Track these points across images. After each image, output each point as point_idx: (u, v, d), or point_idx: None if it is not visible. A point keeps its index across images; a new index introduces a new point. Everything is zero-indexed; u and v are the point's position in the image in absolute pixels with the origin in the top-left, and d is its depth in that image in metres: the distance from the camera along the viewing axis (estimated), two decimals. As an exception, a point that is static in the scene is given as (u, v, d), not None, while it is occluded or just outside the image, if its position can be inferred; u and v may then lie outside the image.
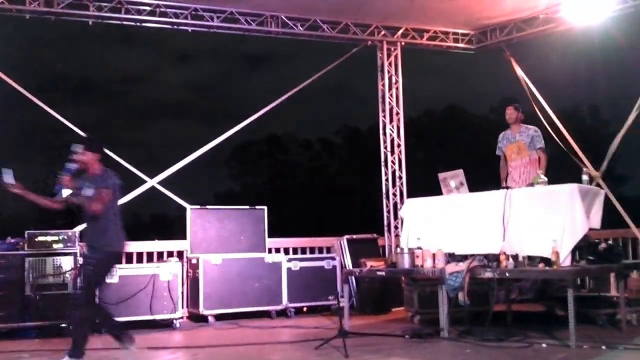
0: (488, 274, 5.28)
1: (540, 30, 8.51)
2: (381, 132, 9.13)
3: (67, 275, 6.20)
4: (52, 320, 6.12)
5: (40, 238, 6.24)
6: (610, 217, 6.78)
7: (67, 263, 6.24)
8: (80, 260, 5.73)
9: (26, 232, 6.23)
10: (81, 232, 6.31)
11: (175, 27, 8.08)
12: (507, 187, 5.92)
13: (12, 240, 6.27)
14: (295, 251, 8.19)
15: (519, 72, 9.04)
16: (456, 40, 9.22)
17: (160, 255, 7.36)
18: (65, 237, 6.33)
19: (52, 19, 7.55)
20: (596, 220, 5.73)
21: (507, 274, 5.27)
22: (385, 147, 9.06)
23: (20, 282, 6.05)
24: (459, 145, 20.64)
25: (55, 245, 6.26)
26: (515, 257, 5.33)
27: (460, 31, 9.17)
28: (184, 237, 7.32)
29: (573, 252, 5.34)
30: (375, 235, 8.60)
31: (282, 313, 7.29)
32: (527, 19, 8.53)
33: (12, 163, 4.66)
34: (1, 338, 5.90)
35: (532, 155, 6.49)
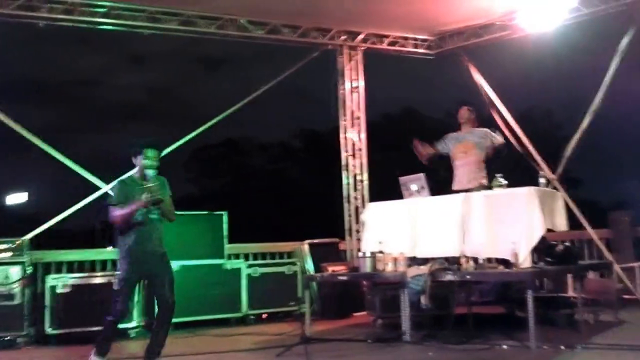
0: (449, 277, 5.31)
1: (497, 37, 8.65)
2: (342, 136, 9.10)
3: (15, 285, 5.92)
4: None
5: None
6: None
7: (15, 272, 5.98)
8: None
9: (-30, 241, 5.94)
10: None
11: (130, 29, 7.87)
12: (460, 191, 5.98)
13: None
14: (255, 257, 8.07)
15: (477, 77, 9.17)
16: (415, 46, 9.29)
17: (115, 263, 7.11)
18: (13, 246, 6.05)
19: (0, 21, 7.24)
20: (561, 223, 5.84)
21: (468, 277, 5.31)
22: (347, 151, 9.05)
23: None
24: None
25: (2, 254, 5.99)
26: (475, 259, 5.38)
27: (419, 37, 9.24)
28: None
29: (532, 254, 5.41)
30: (336, 240, 8.56)
31: (242, 320, 7.16)
32: (484, 26, 8.66)
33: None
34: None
35: (479, 155, 6.50)
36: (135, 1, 7.64)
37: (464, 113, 6.69)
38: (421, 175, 6.18)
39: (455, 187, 6.48)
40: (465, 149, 6.55)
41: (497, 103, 9.00)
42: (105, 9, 7.55)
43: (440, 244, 5.76)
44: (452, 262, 5.48)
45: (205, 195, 26.46)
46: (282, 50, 9.21)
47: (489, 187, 6.01)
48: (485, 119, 8.79)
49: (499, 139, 6.56)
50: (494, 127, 7.09)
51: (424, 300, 5.29)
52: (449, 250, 5.62)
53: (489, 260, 5.40)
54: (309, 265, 7.86)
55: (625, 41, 7.92)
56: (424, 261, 5.62)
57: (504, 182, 5.85)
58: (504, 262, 5.32)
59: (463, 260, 5.39)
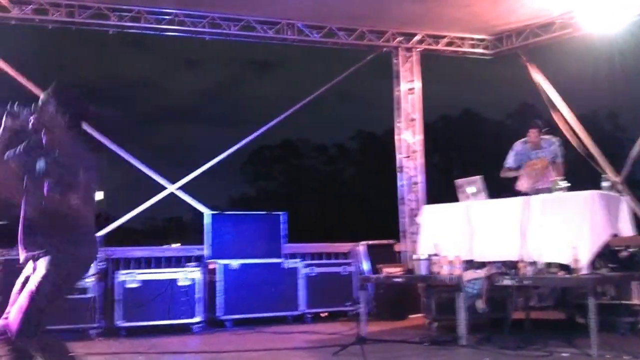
0: (507, 281, 5.25)
1: (557, 36, 8.47)
2: (397, 138, 9.12)
3: (88, 279, 6.27)
4: (74, 324, 6.13)
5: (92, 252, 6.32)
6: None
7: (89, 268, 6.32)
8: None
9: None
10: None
11: (193, 35, 8.18)
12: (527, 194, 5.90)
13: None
14: (311, 257, 8.21)
15: (536, 78, 9.00)
16: (473, 46, 9.21)
17: (179, 260, 7.43)
18: None
19: (73, 29, 7.69)
20: (625, 227, 5.69)
21: (526, 281, 5.24)
22: (401, 153, 9.06)
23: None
24: (475, 151, 20.56)
25: None
26: (534, 264, 5.30)
27: (476, 37, 9.16)
28: (200, 241, 7.37)
29: (594, 259, 5.30)
30: (392, 241, 8.59)
31: (299, 319, 7.30)
32: (543, 25, 8.50)
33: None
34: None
35: (552, 166, 6.40)
36: (198, 8, 7.93)
37: (534, 136, 6.52)
38: (478, 178, 6.14)
39: (518, 188, 6.40)
40: (534, 164, 6.49)
41: (558, 104, 8.80)
42: (169, 16, 7.88)
43: (497, 247, 5.71)
44: (510, 266, 5.42)
45: (261, 195, 26.93)
46: (339, 52, 9.34)
47: (550, 190, 5.91)
48: (545, 121, 8.62)
49: (561, 156, 6.46)
50: (554, 128, 6.96)
51: (480, 304, 5.26)
52: (507, 253, 5.56)
53: (549, 265, 5.31)
54: (365, 266, 7.93)
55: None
56: (481, 264, 5.59)
57: (565, 185, 5.74)
58: (564, 267, 5.23)
59: (521, 265, 5.32)
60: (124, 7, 7.68)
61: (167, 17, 7.89)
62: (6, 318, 2.87)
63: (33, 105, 3.02)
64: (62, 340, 3.00)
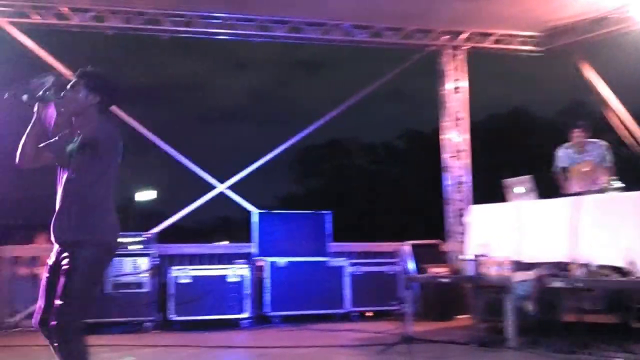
0: (558, 283, 5.16)
1: (610, 31, 8.23)
2: (443, 137, 9.06)
3: (144, 274, 6.52)
4: (130, 317, 6.49)
5: (120, 239, 6.57)
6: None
7: (144, 263, 6.57)
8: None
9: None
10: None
11: (242, 38, 8.36)
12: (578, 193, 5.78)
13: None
14: (357, 256, 8.25)
15: (589, 74, 8.77)
16: (523, 43, 9.05)
17: (228, 257, 7.60)
18: (143, 239, 6.67)
19: (130, 35, 7.99)
20: None
21: (578, 284, 5.14)
22: (447, 153, 8.99)
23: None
24: (525, 150, 20.13)
25: (134, 247, 6.61)
26: (586, 265, 5.20)
27: (526, 33, 8.99)
28: (249, 239, 7.52)
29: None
30: (438, 241, 8.54)
31: (345, 317, 7.36)
32: (596, 20, 8.27)
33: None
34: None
35: (599, 170, 6.25)
36: (247, 12, 8.09)
37: (578, 136, 6.38)
38: (527, 177, 6.06)
39: (571, 190, 6.27)
40: (581, 167, 6.35)
41: (611, 102, 8.56)
42: (219, 20, 8.08)
43: (547, 248, 5.62)
44: (561, 268, 5.33)
45: (308, 194, 27.10)
46: (386, 51, 9.34)
47: (603, 191, 5.78)
48: (598, 118, 8.40)
49: (609, 160, 6.28)
50: (606, 126, 6.78)
51: (530, 306, 5.19)
52: (557, 255, 5.47)
53: (602, 267, 5.19)
54: (411, 266, 7.93)
55: None
56: (530, 266, 5.51)
57: (619, 185, 5.60)
58: (618, 270, 5.10)
59: (573, 267, 5.22)
60: (177, 12, 7.92)
61: (217, 21, 8.10)
62: (40, 312, 2.90)
63: (63, 90, 3.00)
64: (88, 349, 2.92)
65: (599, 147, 6.36)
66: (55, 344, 2.84)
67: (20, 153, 2.97)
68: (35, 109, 2.95)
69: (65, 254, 2.89)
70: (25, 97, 2.90)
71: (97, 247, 2.91)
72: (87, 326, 2.88)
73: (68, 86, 3.03)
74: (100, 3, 7.61)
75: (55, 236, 2.96)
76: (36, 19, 7.55)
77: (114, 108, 7.64)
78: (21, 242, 7.81)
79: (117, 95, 3.19)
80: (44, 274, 2.98)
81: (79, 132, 2.95)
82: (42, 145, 2.97)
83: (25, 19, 7.54)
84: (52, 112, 2.97)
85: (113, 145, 3.01)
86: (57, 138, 3.01)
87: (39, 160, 3.00)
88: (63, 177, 2.98)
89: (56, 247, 2.97)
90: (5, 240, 7.49)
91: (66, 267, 2.85)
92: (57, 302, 2.81)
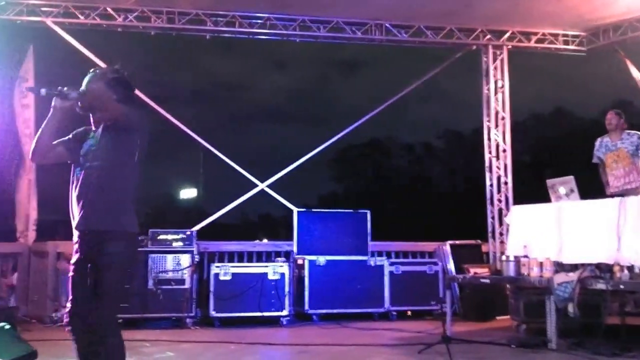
0: (600, 285, 5.09)
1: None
2: (485, 137, 8.98)
3: (185, 271, 6.69)
4: (171, 312, 6.65)
5: (162, 236, 6.78)
6: None
7: (185, 260, 6.74)
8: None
9: (150, 230, 6.79)
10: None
11: (284, 38, 8.47)
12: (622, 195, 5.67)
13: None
14: (397, 255, 8.26)
15: (635, 73, 8.56)
16: (566, 42, 8.90)
17: (268, 255, 7.73)
18: (185, 236, 6.84)
19: (173, 35, 8.19)
20: None
21: (622, 286, 5.05)
22: (490, 152, 8.91)
23: (143, 276, 6.54)
24: (568, 150, 19.71)
25: (175, 243, 6.78)
26: (630, 268, 5.10)
27: (570, 32, 8.84)
28: (289, 237, 7.62)
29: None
30: (478, 242, 8.49)
31: (384, 316, 7.38)
32: (641, 18, 8.07)
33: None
34: (124, 327, 6.37)
35: (635, 162, 6.13)
36: (289, 11, 8.20)
37: (611, 118, 6.38)
38: (570, 177, 5.97)
39: (609, 191, 6.17)
40: (617, 158, 6.22)
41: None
42: (261, 20, 8.21)
43: (590, 250, 5.52)
44: (604, 270, 5.24)
45: (348, 193, 27.16)
46: (426, 51, 9.32)
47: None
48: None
49: None
50: None
51: (571, 308, 5.12)
52: (600, 257, 5.38)
53: (646, 269, 5.09)
54: (451, 266, 7.90)
55: None
56: (572, 267, 5.44)
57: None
58: (664, 273, 4.99)
59: (617, 269, 5.13)
60: (220, 12, 8.08)
61: (259, 20, 8.23)
62: (71, 308, 2.91)
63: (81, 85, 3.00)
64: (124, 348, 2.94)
65: (633, 136, 6.30)
66: (79, 341, 2.86)
67: (34, 148, 2.96)
68: (53, 103, 2.93)
69: (93, 249, 2.88)
70: (43, 90, 2.91)
71: (126, 240, 2.91)
72: (122, 321, 2.94)
73: (85, 81, 3.04)
74: (143, 3, 7.82)
75: (81, 227, 2.93)
76: (81, 18, 7.81)
77: (155, 106, 7.90)
78: (65, 238, 8.08)
79: (132, 90, 3.19)
80: (70, 272, 2.97)
81: (95, 128, 3.00)
82: (56, 142, 2.99)
83: (70, 18, 7.81)
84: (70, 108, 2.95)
85: (139, 122, 2.99)
86: (70, 135, 3.06)
87: (52, 157, 3.01)
88: (78, 174, 2.98)
89: (76, 241, 2.96)
90: (52, 236, 7.75)
91: (97, 263, 2.86)
92: (91, 299, 2.85)
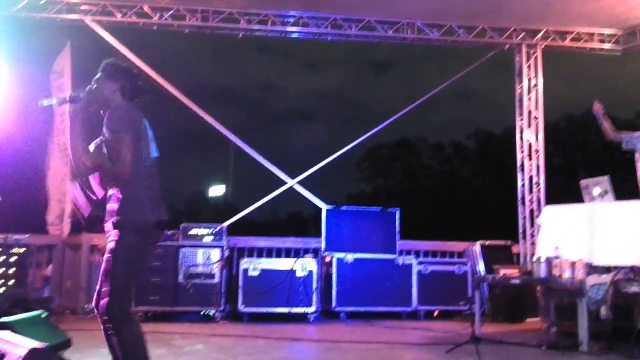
0: (635, 289, 5.00)
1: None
2: (518, 137, 8.88)
3: (215, 266, 6.78)
4: (201, 307, 6.75)
5: (193, 231, 6.89)
6: None
7: (215, 255, 6.83)
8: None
9: (181, 225, 6.90)
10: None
11: (316, 37, 8.51)
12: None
13: (169, 232, 6.94)
14: (426, 254, 8.23)
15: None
16: (602, 42, 8.74)
17: (297, 252, 7.78)
18: (216, 231, 6.93)
19: (207, 33, 8.31)
20: None
21: (656, 290, 4.95)
22: (522, 153, 8.81)
23: (174, 270, 6.67)
24: (602, 151, 19.33)
25: (206, 238, 6.88)
26: (666, 271, 5.00)
27: (606, 32, 8.68)
28: (318, 234, 7.65)
29: None
30: (509, 242, 8.40)
31: (412, 315, 7.37)
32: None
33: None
34: (155, 320, 6.53)
35: None
36: (321, 10, 8.24)
37: None
38: (605, 178, 5.87)
39: None
40: None
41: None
42: (294, 19, 8.26)
43: (624, 252, 5.42)
44: (637, 273, 5.15)
45: (377, 193, 27.11)
46: (458, 51, 9.25)
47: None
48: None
49: None
50: None
51: (604, 311, 5.05)
52: (635, 259, 5.28)
53: (683, 273, 4.98)
54: (480, 267, 7.84)
55: None
56: (605, 270, 5.35)
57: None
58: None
59: (651, 272, 5.04)
60: (253, 11, 8.17)
61: (292, 19, 8.29)
62: (97, 297, 2.99)
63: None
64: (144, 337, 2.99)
65: None
66: (109, 331, 2.93)
67: (76, 165, 2.99)
68: (67, 110, 3.02)
69: (107, 241, 3.00)
70: (55, 100, 3.07)
71: (135, 233, 2.96)
72: (151, 314, 2.98)
73: (93, 81, 3.13)
74: (179, 2, 7.95)
75: (105, 221, 3.05)
76: (118, 17, 7.97)
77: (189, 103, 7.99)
78: (98, 231, 8.24)
79: (139, 83, 3.21)
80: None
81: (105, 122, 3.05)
82: (91, 147, 3.03)
83: (108, 17, 7.98)
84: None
85: (127, 127, 2.96)
86: (98, 140, 3.09)
87: (97, 161, 3.01)
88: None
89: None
90: (92, 228, 7.90)
91: (107, 254, 2.97)
92: (100, 289, 2.94)
